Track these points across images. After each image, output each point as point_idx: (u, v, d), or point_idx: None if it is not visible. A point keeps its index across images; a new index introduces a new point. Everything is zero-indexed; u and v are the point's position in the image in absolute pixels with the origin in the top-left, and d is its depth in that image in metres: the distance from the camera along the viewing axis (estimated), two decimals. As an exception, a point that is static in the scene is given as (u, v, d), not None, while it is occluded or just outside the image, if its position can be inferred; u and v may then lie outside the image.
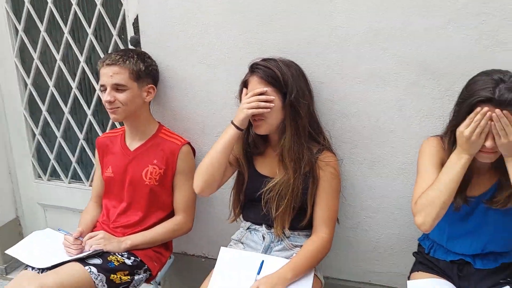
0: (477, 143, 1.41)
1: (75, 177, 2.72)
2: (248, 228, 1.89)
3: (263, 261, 1.72)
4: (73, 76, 2.49)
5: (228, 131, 1.72)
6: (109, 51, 2.33)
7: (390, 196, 1.92)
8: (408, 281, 1.69)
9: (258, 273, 1.68)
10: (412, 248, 1.87)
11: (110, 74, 1.86)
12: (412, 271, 1.79)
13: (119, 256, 1.87)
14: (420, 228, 1.51)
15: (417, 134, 1.80)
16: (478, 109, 1.38)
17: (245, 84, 1.75)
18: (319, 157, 1.74)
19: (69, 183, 2.71)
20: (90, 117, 2.52)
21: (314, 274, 1.73)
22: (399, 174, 1.88)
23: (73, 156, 2.64)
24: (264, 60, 1.73)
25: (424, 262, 1.74)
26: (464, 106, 1.43)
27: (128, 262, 1.87)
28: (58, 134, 2.64)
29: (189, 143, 2.03)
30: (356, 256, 2.07)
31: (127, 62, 1.88)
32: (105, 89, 1.88)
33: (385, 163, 1.89)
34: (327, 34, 1.81)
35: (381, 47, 1.75)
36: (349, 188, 1.96)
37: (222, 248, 1.82)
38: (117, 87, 1.87)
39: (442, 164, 1.54)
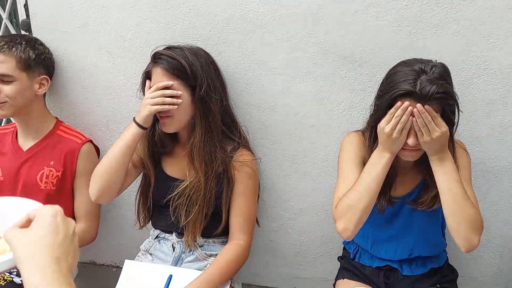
0: (398, 140, 1.31)
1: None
2: (157, 237, 1.72)
3: (171, 276, 1.55)
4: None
5: (129, 130, 1.52)
6: (-1, 37, 2.06)
7: (313, 196, 1.82)
8: (333, 291, 1.60)
9: (165, 289, 1.52)
10: (337, 252, 1.79)
11: None
12: (337, 278, 1.69)
13: (7, 274, 1.67)
14: (341, 235, 1.41)
15: (339, 128, 1.69)
16: (399, 103, 1.27)
17: (147, 75, 1.55)
18: (233, 156, 1.60)
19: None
20: (-23, 112, 2.24)
21: (231, 286, 1.60)
22: (321, 171, 1.77)
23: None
24: (168, 48, 1.53)
25: (349, 268, 1.65)
26: (385, 100, 1.32)
27: (18, 280, 1.66)
28: None
29: (91, 141, 1.84)
30: (279, 261, 1.97)
31: (14, 49, 1.67)
32: None
33: (307, 160, 1.77)
34: (241, 19, 1.65)
35: (299, 34, 1.61)
36: (269, 189, 1.83)
37: (126, 261, 1.63)
38: (2, 78, 1.67)
39: (364, 162, 1.45)
